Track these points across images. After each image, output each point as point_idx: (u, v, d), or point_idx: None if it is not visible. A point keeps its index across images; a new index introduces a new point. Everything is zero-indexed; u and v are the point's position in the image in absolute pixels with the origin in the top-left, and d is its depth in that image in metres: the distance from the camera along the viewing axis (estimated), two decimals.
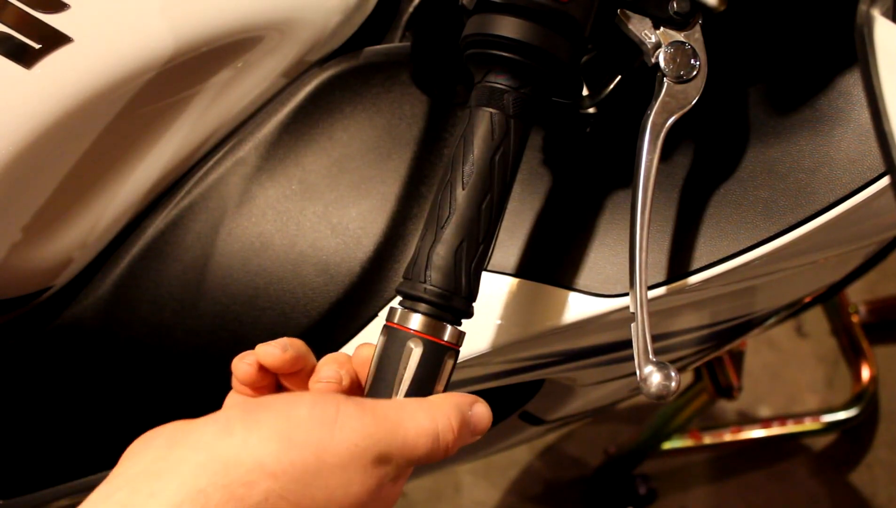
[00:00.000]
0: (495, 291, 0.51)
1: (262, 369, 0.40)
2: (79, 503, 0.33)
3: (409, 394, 0.39)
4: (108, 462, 0.59)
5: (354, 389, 0.41)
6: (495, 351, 0.52)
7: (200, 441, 0.33)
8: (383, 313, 0.52)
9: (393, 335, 0.39)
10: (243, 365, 0.40)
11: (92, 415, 0.56)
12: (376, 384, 0.39)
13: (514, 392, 0.73)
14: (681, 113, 0.43)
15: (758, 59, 0.52)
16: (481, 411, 0.39)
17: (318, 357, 0.41)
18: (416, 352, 0.39)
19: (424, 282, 0.40)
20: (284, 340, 0.40)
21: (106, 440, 0.58)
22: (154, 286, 0.53)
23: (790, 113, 0.49)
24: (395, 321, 0.40)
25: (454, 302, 0.40)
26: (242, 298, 0.54)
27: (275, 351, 0.39)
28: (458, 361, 0.41)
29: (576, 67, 0.42)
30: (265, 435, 0.32)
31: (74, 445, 0.58)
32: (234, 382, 0.41)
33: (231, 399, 0.41)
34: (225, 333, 0.55)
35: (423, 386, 0.39)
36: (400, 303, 0.40)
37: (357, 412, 0.34)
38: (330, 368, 0.40)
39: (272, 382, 0.41)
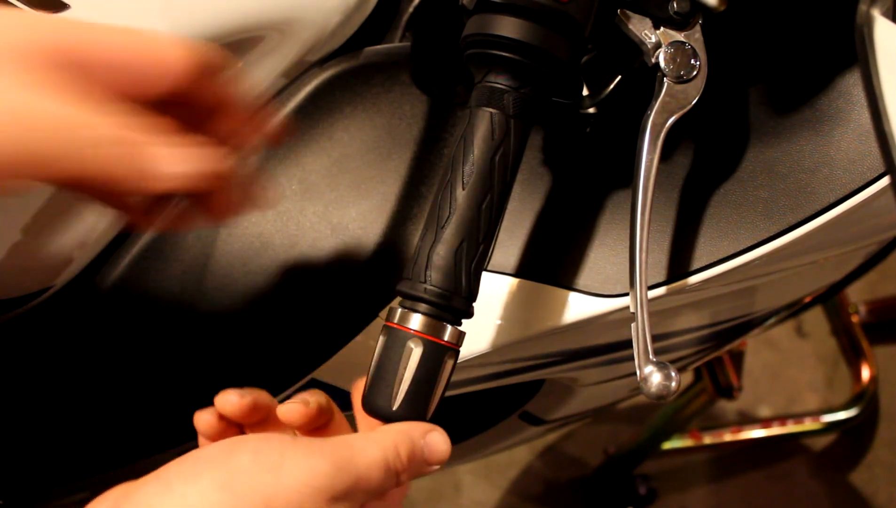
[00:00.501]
0: (495, 291, 0.51)
1: (224, 419, 0.39)
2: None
3: (409, 394, 0.39)
4: (107, 462, 0.59)
5: (324, 415, 0.40)
6: (495, 351, 0.52)
7: (142, 503, 0.31)
8: (384, 314, 0.52)
9: (393, 335, 0.39)
10: (204, 417, 0.38)
11: (91, 416, 0.56)
12: (376, 385, 0.39)
13: (514, 392, 0.73)
14: (681, 113, 0.43)
15: (758, 59, 0.52)
16: (437, 439, 0.38)
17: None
18: (416, 352, 0.39)
19: (424, 282, 0.40)
20: (242, 389, 0.39)
21: (106, 441, 0.58)
22: (154, 286, 0.53)
23: (790, 113, 0.49)
24: (395, 321, 0.40)
25: (454, 302, 0.39)
26: (242, 298, 0.54)
27: (232, 398, 0.38)
28: (458, 361, 0.41)
29: (576, 67, 0.42)
30: (205, 487, 0.31)
31: (74, 445, 0.58)
32: (200, 439, 0.40)
33: None
34: (225, 333, 0.55)
35: (423, 386, 0.39)
36: (400, 303, 0.40)
37: (304, 452, 0.33)
38: (297, 397, 0.39)
39: (237, 433, 0.40)
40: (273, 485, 0.31)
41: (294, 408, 0.38)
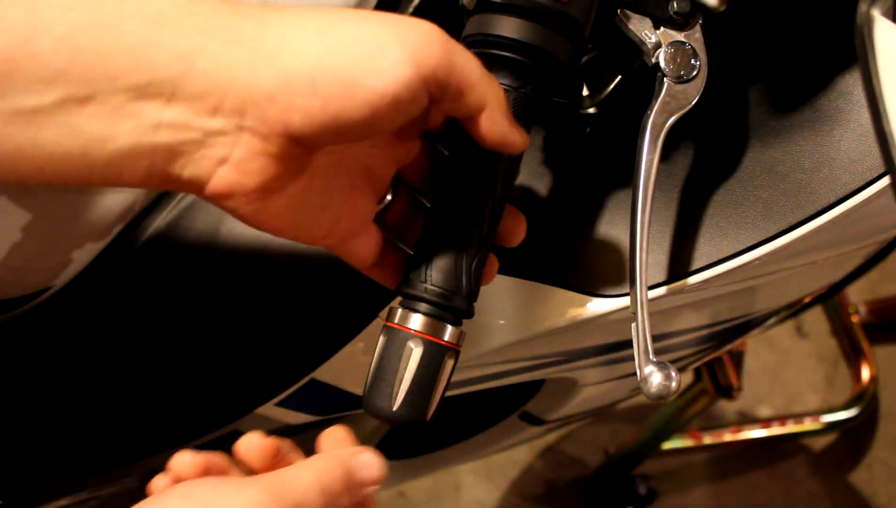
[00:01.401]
0: (495, 291, 0.51)
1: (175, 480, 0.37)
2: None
3: (409, 394, 0.39)
4: (107, 462, 0.59)
5: (283, 456, 0.38)
6: (495, 351, 0.52)
7: None
8: (384, 314, 0.52)
9: (393, 335, 0.39)
10: (160, 484, 0.37)
11: (91, 416, 0.56)
12: (376, 385, 0.39)
13: (514, 392, 0.73)
14: (681, 113, 0.43)
15: (758, 59, 0.52)
16: (367, 460, 0.36)
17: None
18: (416, 352, 0.39)
19: (425, 282, 0.39)
20: (192, 453, 0.37)
21: (106, 441, 0.58)
22: (154, 286, 0.53)
23: (790, 113, 0.49)
24: (395, 321, 0.40)
25: (455, 302, 0.39)
26: (242, 298, 0.54)
27: (185, 458, 0.36)
28: (458, 361, 0.41)
29: (576, 67, 0.42)
30: None
31: (74, 445, 0.58)
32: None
33: None
34: (225, 333, 0.55)
35: (423, 387, 0.39)
36: (400, 303, 0.40)
37: (235, 488, 0.32)
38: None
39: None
40: None
41: (182, 460, 0.36)
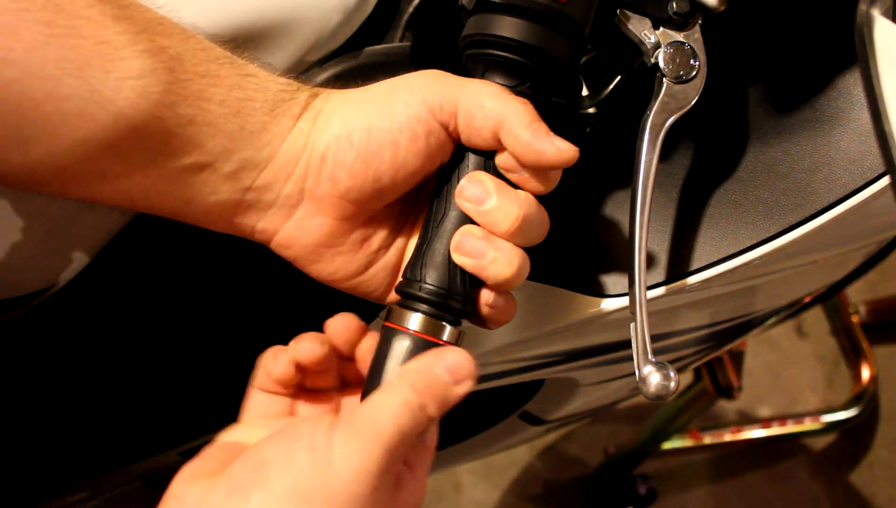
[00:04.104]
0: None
1: (296, 366, 0.40)
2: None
3: None
4: (107, 462, 0.59)
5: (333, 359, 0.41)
6: (495, 351, 0.52)
7: None
8: (383, 314, 0.52)
9: (391, 335, 0.39)
10: (281, 363, 0.40)
11: (92, 416, 0.56)
12: (374, 385, 0.39)
13: (514, 392, 0.73)
14: (680, 113, 0.43)
15: (758, 59, 0.52)
16: (453, 358, 0.37)
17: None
18: (405, 350, 0.39)
19: (420, 281, 0.39)
20: (313, 335, 0.40)
21: (106, 441, 0.58)
22: (154, 287, 0.53)
23: (790, 113, 0.49)
24: (393, 321, 0.40)
25: (451, 301, 0.39)
26: (242, 298, 0.54)
27: (313, 346, 0.40)
28: None
29: (575, 67, 0.42)
30: (277, 495, 0.32)
31: (74, 445, 0.58)
32: (263, 379, 0.41)
33: (254, 406, 0.41)
34: (225, 333, 0.55)
35: None
36: (398, 303, 0.40)
37: (344, 438, 0.33)
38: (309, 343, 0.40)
39: (301, 381, 0.41)
40: (330, 482, 0.32)
41: (308, 348, 0.40)
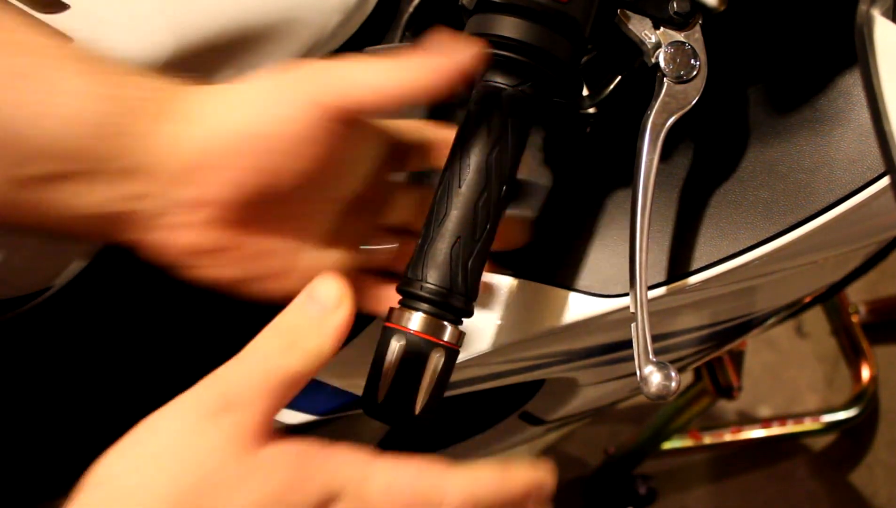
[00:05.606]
0: (495, 291, 0.51)
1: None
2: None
3: (392, 391, 0.39)
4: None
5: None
6: (495, 351, 0.52)
7: None
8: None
9: (391, 335, 0.39)
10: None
11: (91, 416, 0.56)
12: (369, 384, 0.39)
13: (514, 392, 0.73)
14: (681, 113, 0.43)
15: (758, 59, 0.52)
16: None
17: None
18: (399, 348, 0.39)
19: (421, 280, 0.39)
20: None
21: (106, 442, 0.58)
22: (153, 287, 0.53)
23: (790, 113, 0.49)
24: (394, 321, 0.40)
25: (452, 300, 0.39)
26: (241, 299, 0.54)
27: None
28: (459, 361, 0.41)
29: (576, 66, 0.42)
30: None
31: (74, 446, 0.58)
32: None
33: None
34: (225, 334, 0.55)
35: (407, 383, 0.39)
36: (399, 302, 0.40)
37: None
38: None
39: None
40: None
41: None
